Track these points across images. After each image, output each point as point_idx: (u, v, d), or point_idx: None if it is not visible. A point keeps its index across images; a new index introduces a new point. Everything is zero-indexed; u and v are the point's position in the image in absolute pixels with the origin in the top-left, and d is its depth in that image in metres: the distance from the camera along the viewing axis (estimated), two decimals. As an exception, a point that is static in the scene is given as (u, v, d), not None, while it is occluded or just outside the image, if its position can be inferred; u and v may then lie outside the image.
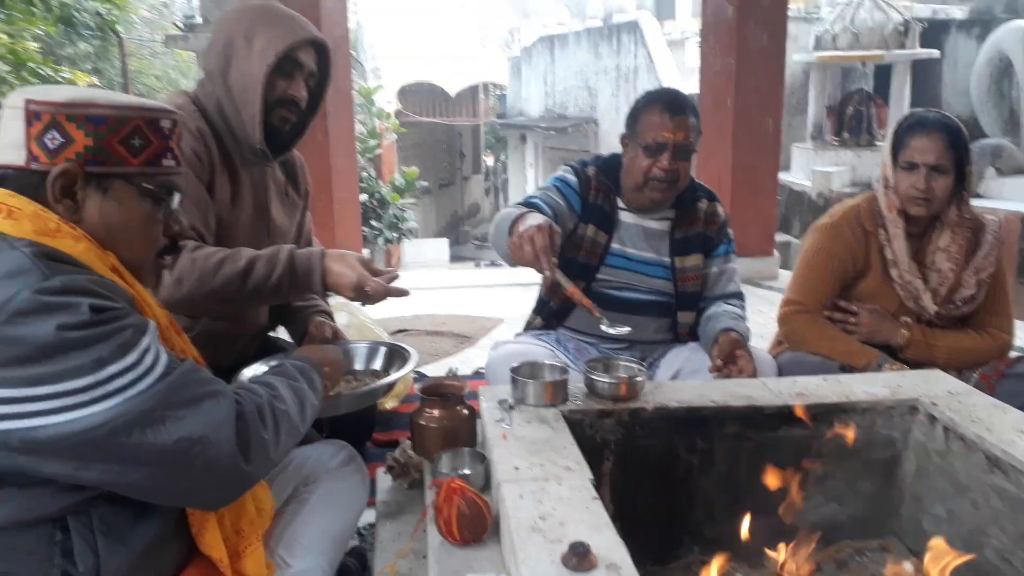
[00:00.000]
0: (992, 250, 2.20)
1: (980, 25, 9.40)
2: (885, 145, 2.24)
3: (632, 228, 2.18)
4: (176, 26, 6.39)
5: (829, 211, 2.36)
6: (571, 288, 1.73)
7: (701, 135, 2.14)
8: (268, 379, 1.20)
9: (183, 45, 5.01)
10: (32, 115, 1.01)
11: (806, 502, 1.65)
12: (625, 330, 1.78)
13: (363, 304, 1.69)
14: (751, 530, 1.47)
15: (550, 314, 2.26)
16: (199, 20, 4.85)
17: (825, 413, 1.67)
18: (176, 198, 1.16)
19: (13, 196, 1.01)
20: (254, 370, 1.62)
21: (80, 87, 1.22)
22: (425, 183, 13.46)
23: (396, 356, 1.82)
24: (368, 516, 1.78)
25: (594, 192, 2.17)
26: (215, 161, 1.71)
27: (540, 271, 1.71)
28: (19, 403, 0.90)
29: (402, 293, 1.62)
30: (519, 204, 2.10)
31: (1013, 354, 2.25)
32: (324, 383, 1.35)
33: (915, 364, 2.16)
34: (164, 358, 1.00)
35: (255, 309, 1.88)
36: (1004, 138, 7.97)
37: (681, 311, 2.20)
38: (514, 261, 1.77)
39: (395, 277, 1.64)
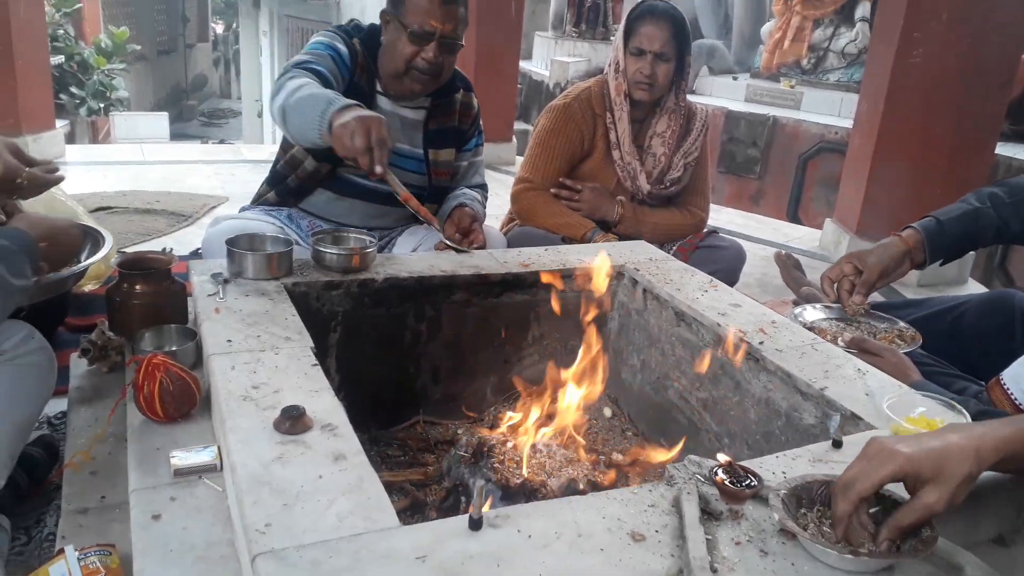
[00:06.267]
0: (699, 136, 2.47)
1: (703, -68, 10.13)
2: (618, 31, 2.38)
3: (388, 115, 2.04)
4: None
5: (563, 93, 2.49)
6: (404, 194, 1.60)
7: (467, 27, 2.01)
8: None
9: None
10: None
11: (524, 360, 1.79)
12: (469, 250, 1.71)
13: (14, 198, 1.47)
14: (475, 389, 1.57)
15: (287, 191, 2.10)
16: None
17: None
18: None
19: None
20: None
21: None
22: (138, 47, 11.88)
23: (88, 239, 1.62)
24: (60, 405, 1.62)
25: (359, 72, 1.99)
26: None
27: (368, 167, 1.56)
28: None
29: (58, 180, 1.46)
30: (297, 68, 1.85)
31: (706, 230, 2.57)
32: (41, 264, 1.19)
33: (625, 237, 2.39)
34: None
35: None
36: (718, 40, 8.87)
37: (427, 203, 2.19)
38: (322, 148, 1.62)
39: (54, 169, 1.46)
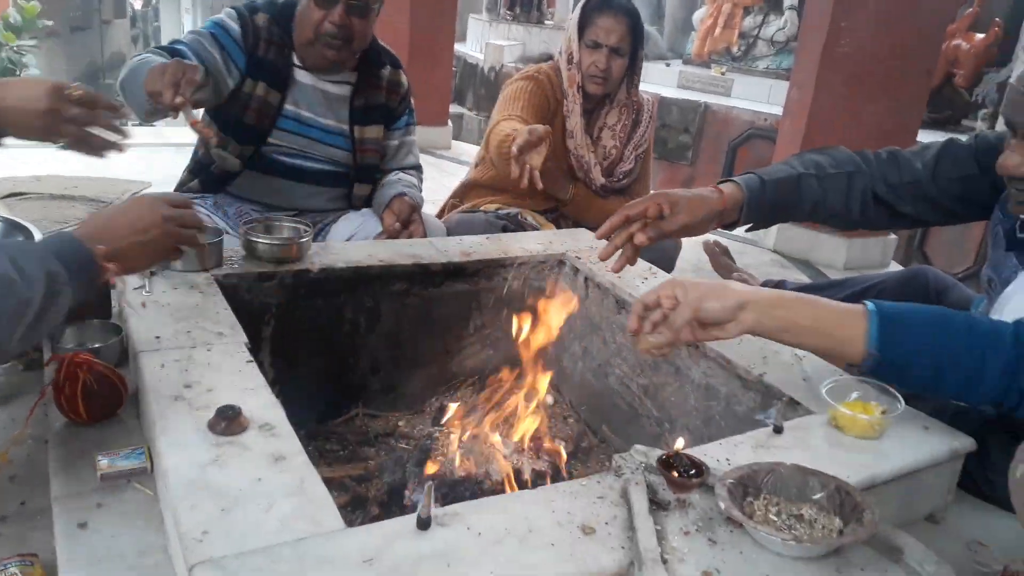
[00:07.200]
0: (647, 128, 2.48)
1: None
2: (571, 22, 2.34)
3: (309, 90, 2.02)
4: None
5: (523, 69, 2.45)
6: (192, 119, 1.56)
7: None
8: None
9: None
10: None
11: (465, 350, 1.78)
12: (235, 162, 1.70)
13: (61, 146, 1.30)
14: (415, 380, 1.54)
15: (210, 179, 2.05)
16: None
17: (486, 268, 1.77)
18: None
19: None
20: None
21: None
22: (50, 22, 11.27)
23: (13, 233, 1.53)
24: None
25: (264, 45, 1.95)
26: None
27: (170, 101, 1.50)
28: None
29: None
30: (159, 48, 1.84)
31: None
32: (107, 265, 1.06)
33: (572, 221, 2.39)
34: None
35: None
36: (651, 27, 8.97)
37: (358, 183, 2.14)
38: (149, 96, 1.55)
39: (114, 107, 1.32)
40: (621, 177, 2.46)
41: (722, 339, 1.13)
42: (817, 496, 0.92)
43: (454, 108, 6.93)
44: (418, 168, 2.27)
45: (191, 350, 1.20)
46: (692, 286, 1.12)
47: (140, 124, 1.77)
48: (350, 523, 0.86)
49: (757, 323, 1.10)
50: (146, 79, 1.55)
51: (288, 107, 2.00)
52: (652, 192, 1.52)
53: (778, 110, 5.02)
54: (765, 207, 1.53)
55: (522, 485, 1.34)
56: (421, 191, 2.19)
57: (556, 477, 1.43)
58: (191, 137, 2.09)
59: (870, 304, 1.07)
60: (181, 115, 1.54)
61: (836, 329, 1.08)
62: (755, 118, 6.50)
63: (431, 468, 1.37)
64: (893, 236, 3.93)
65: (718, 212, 1.49)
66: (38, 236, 1.53)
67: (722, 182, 1.55)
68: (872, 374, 1.10)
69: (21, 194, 3.26)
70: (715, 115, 6.78)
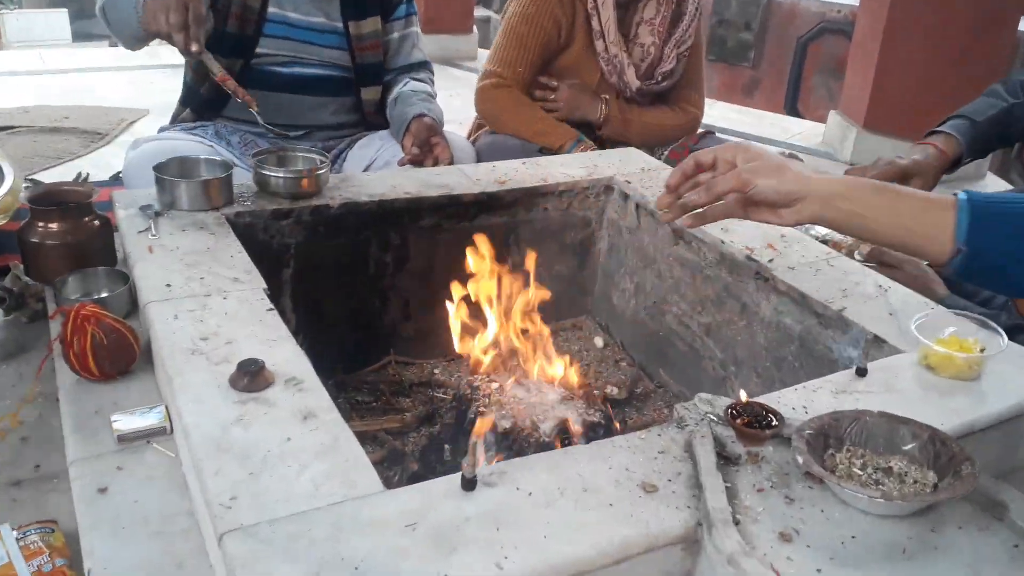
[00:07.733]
0: (692, 21, 2.39)
1: None
2: None
3: None
4: None
5: None
6: (220, 74, 1.59)
7: None
8: None
9: None
10: None
11: (504, 290, 1.77)
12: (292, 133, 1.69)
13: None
14: (449, 325, 1.55)
15: (202, 104, 2.05)
16: None
17: (524, 198, 1.75)
18: None
19: None
20: None
21: None
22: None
23: None
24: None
25: None
26: None
27: (183, 49, 1.52)
28: None
29: None
30: None
31: (700, 130, 2.53)
32: None
33: (611, 141, 2.34)
34: None
35: None
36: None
37: (364, 87, 2.12)
38: (144, 37, 1.57)
39: None
40: (660, 79, 2.39)
41: (774, 223, 1.08)
42: (908, 447, 0.91)
43: (479, 12, 6.77)
44: (427, 66, 2.25)
45: (205, 298, 1.22)
46: (754, 155, 1.06)
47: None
48: (388, 482, 0.88)
49: (817, 216, 1.04)
50: (144, 17, 1.56)
51: (272, 10, 1.98)
52: (878, 160, 1.70)
53: (854, 0, 4.82)
54: (980, 146, 1.68)
55: (573, 438, 1.35)
56: (435, 96, 2.16)
57: (609, 429, 1.44)
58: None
59: (961, 193, 1.01)
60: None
61: (916, 222, 1.01)
62: (826, 10, 6.25)
63: (472, 421, 1.39)
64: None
65: (943, 171, 1.67)
66: (9, 178, 1.55)
67: (930, 134, 1.68)
68: (960, 274, 1.03)
69: (9, 128, 3.30)
70: (780, 7, 6.54)
